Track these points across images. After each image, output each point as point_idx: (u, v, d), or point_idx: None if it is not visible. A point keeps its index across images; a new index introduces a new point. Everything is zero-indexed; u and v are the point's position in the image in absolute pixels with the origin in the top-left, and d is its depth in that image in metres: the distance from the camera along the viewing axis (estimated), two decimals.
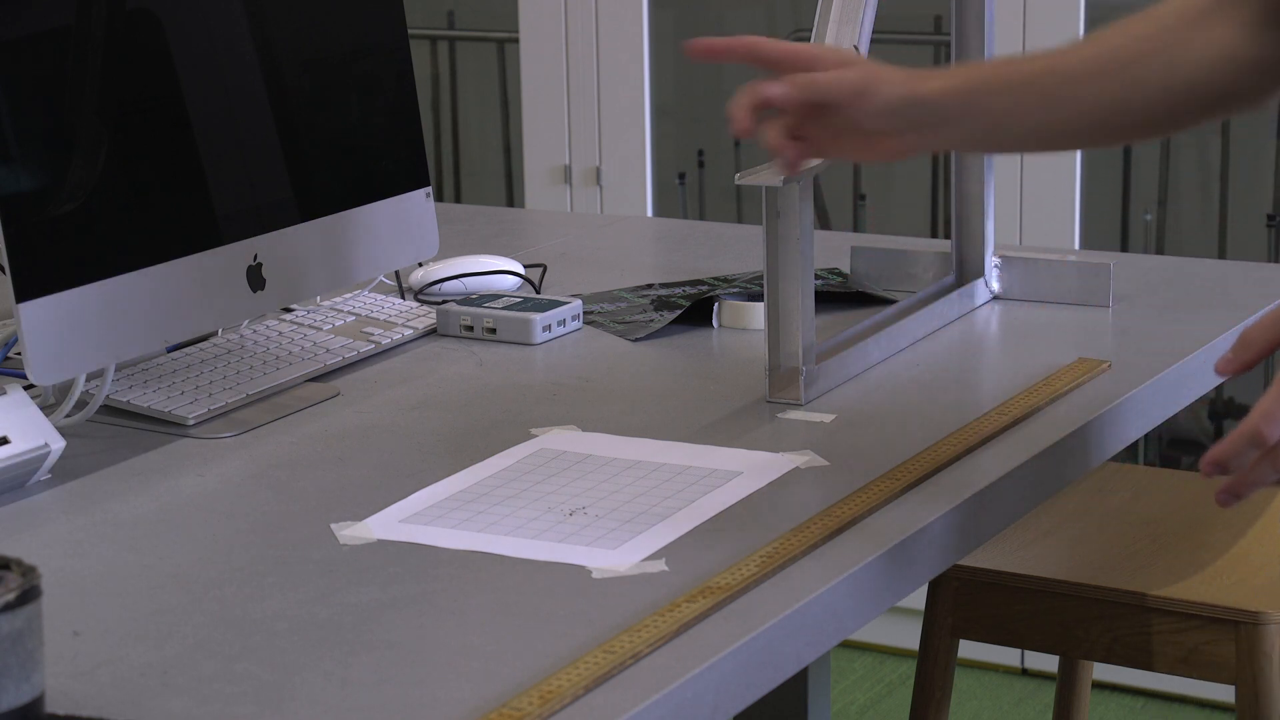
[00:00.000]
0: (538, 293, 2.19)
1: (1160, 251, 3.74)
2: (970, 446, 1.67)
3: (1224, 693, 3.34)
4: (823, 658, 2.36)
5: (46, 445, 1.63)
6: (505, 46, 4.14)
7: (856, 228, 3.91)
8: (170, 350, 1.92)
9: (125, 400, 1.80)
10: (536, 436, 1.72)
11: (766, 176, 1.75)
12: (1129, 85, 1.56)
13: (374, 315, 2.07)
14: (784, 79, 1.54)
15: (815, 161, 1.71)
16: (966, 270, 2.13)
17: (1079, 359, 1.89)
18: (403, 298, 2.18)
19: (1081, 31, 3.31)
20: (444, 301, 2.12)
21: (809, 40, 1.85)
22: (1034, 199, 3.36)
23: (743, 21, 4.22)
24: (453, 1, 4.36)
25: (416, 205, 2.11)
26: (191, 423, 1.77)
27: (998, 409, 1.75)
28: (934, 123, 1.56)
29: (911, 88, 1.55)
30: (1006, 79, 1.58)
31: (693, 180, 4.12)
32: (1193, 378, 1.94)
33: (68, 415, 1.76)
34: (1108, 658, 2.01)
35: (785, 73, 1.55)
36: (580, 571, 1.43)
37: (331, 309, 2.09)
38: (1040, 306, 2.11)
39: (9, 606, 1.13)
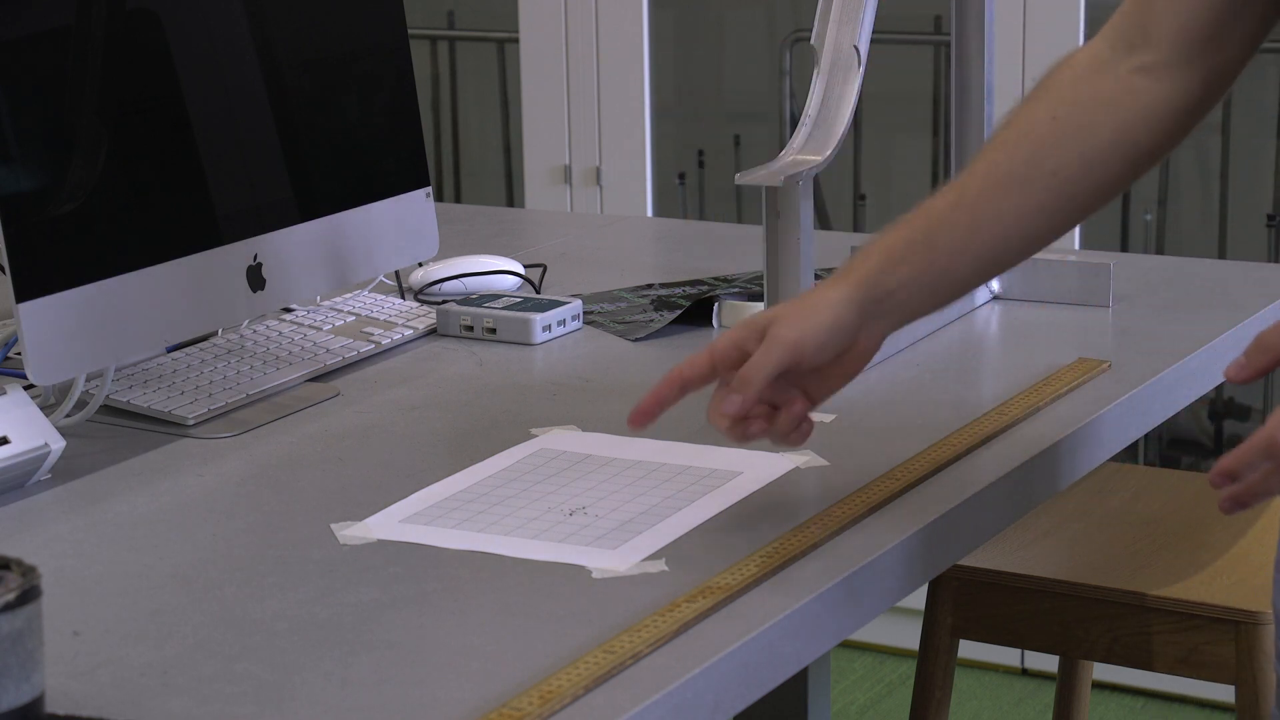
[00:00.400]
0: (538, 293, 2.19)
1: (1160, 251, 3.74)
2: (970, 446, 1.66)
3: (1224, 693, 3.34)
4: (823, 658, 2.36)
5: (46, 445, 1.63)
6: (505, 46, 4.14)
7: (856, 228, 3.91)
8: (170, 350, 1.92)
9: (125, 400, 1.80)
10: (536, 436, 1.72)
11: (766, 176, 1.75)
12: (1050, 172, 1.49)
13: (374, 315, 2.07)
14: (729, 390, 1.44)
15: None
16: None
17: (1079, 359, 1.89)
18: (403, 298, 2.18)
19: (1081, 33, 3.30)
20: (444, 301, 2.12)
21: (809, 40, 1.85)
22: None
23: (743, 21, 4.22)
24: (453, 1, 4.36)
25: (416, 205, 2.11)
26: (191, 423, 1.77)
27: (997, 409, 1.75)
28: (875, 310, 1.47)
29: (831, 309, 1.46)
30: (915, 234, 1.49)
31: (693, 180, 4.12)
32: (1193, 378, 1.94)
33: (68, 415, 1.76)
34: (1108, 658, 2.01)
35: (725, 374, 1.46)
36: (580, 571, 1.43)
37: (331, 309, 2.08)
38: (1040, 306, 2.11)
39: (9, 606, 1.13)
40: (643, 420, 1.47)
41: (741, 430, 1.46)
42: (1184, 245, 3.78)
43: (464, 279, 2.19)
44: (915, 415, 1.76)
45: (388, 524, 1.53)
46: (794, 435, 1.48)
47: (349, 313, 2.07)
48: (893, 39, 3.79)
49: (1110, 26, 1.53)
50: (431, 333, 2.05)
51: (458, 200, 4.35)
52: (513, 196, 4.27)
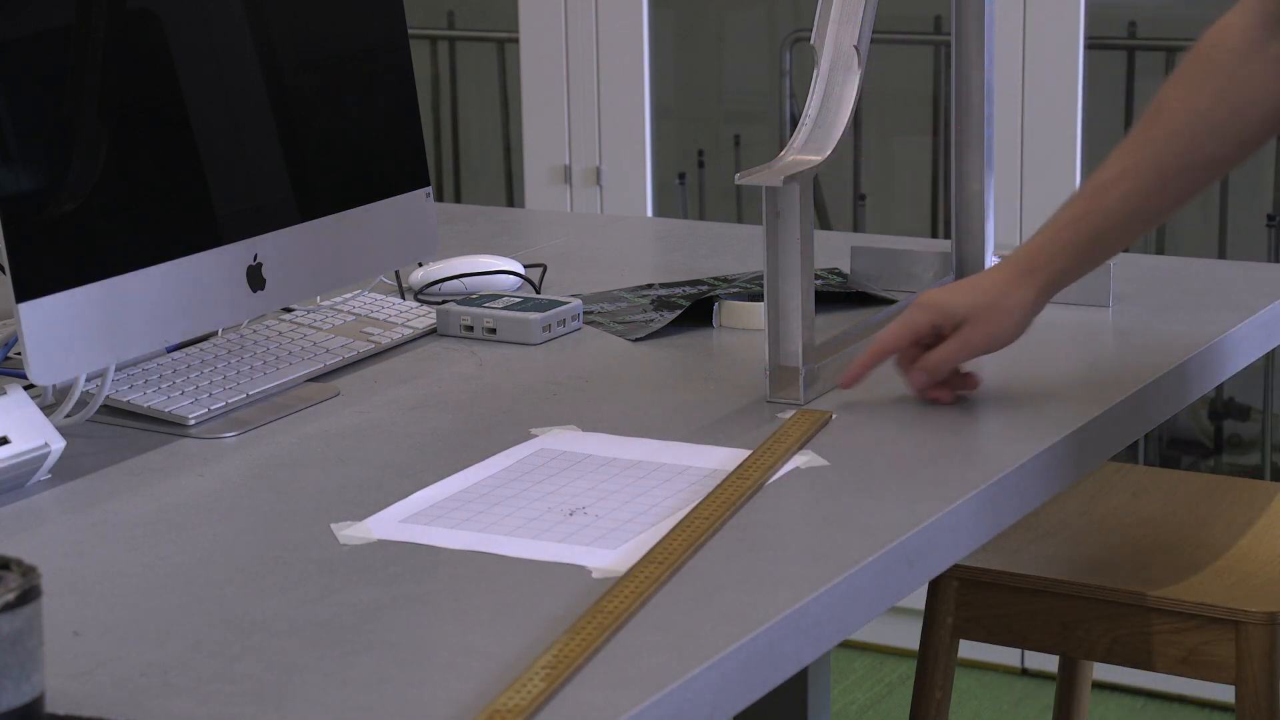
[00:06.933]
0: (538, 293, 2.19)
1: (1160, 251, 3.74)
2: (970, 446, 1.66)
3: (1224, 693, 3.34)
4: (823, 658, 2.36)
5: (46, 445, 1.63)
6: (505, 46, 4.14)
7: (856, 228, 3.91)
8: (170, 350, 1.92)
9: (125, 400, 1.80)
10: (536, 436, 1.72)
11: (766, 176, 1.75)
12: (1208, 160, 1.70)
13: (374, 315, 2.07)
14: (916, 371, 1.74)
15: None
16: (966, 270, 2.13)
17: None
18: (403, 298, 2.18)
19: (1081, 33, 3.30)
20: (444, 301, 2.12)
21: (809, 40, 1.85)
22: (1034, 199, 3.36)
23: (742, 22, 4.22)
24: (453, 1, 4.37)
25: (416, 205, 2.11)
26: (191, 423, 1.77)
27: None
28: (1045, 301, 1.76)
29: (1021, 313, 1.73)
30: (1092, 232, 1.73)
31: (693, 180, 4.12)
32: (1193, 378, 1.94)
33: (68, 415, 1.76)
34: (1108, 658, 2.01)
35: (915, 349, 1.75)
36: (580, 571, 1.43)
37: (331, 309, 2.09)
38: None
39: (9, 606, 1.13)
40: (853, 383, 1.78)
41: (925, 394, 1.76)
42: (1184, 245, 3.78)
43: (464, 279, 2.19)
44: (915, 415, 1.76)
45: (388, 524, 1.53)
46: (957, 396, 1.78)
47: (349, 313, 2.07)
48: (893, 39, 3.79)
49: (1259, 1, 1.65)
50: (431, 333, 2.05)
51: (458, 200, 4.35)
52: (513, 196, 4.27)
